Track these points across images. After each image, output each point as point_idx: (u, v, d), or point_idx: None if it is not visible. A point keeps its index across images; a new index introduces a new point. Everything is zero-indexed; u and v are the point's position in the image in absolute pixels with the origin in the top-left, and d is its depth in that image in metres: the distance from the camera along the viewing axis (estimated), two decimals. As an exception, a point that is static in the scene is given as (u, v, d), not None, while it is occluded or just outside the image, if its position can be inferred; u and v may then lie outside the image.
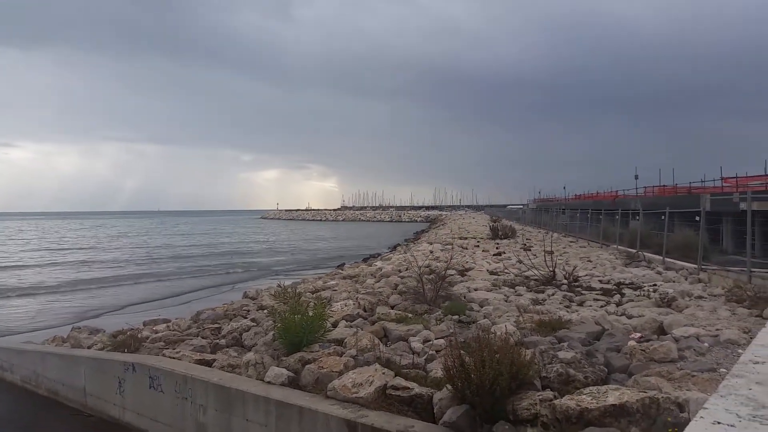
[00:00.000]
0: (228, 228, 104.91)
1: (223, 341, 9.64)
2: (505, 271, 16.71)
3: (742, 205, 16.45)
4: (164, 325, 12.16)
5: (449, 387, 5.66)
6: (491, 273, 16.37)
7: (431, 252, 25.05)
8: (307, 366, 7.09)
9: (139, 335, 10.73)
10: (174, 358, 8.66)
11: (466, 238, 34.16)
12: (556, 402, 5.13)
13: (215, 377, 7.55)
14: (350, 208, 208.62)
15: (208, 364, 8.23)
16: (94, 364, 9.78)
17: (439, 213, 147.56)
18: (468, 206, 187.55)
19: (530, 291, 12.86)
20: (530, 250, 23.33)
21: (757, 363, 2.49)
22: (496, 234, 34.04)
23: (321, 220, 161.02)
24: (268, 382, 7.02)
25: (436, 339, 8.22)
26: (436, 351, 7.60)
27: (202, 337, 10.04)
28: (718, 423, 1.74)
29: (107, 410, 9.37)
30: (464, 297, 11.75)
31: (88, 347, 10.76)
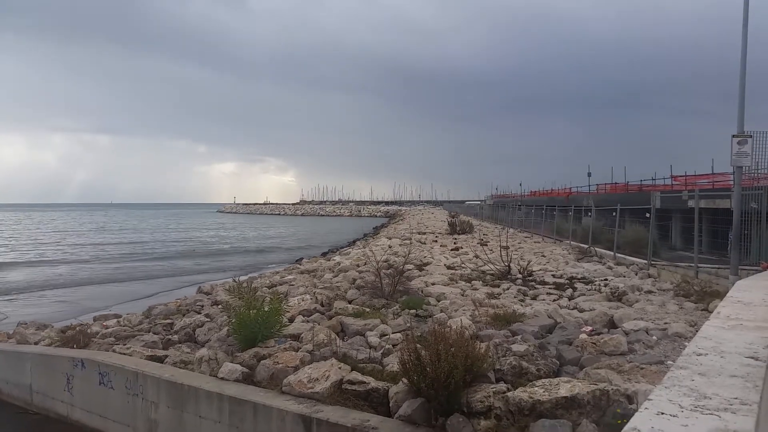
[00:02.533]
0: (186, 222, 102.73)
1: (175, 337, 9.45)
2: (462, 265, 16.87)
3: (691, 203, 17.02)
4: (115, 320, 11.85)
5: (405, 381, 5.68)
6: (449, 268, 16.50)
7: (390, 247, 25.10)
8: (262, 362, 7.00)
9: (89, 330, 10.44)
10: (125, 354, 8.45)
11: (424, 233, 34.36)
12: (509, 394, 5.20)
13: (167, 373, 7.39)
14: (309, 203, 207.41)
15: (160, 360, 8.06)
16: (40, 361, 9.46)
17: (399, 208, 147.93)
18: (427, 201, 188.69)
19: (486, 285, 13.02)
20: (487, 245, 23.61)
21: (700, 355, 2.56)
22: (454, 229, 34.33)
23: (280, 214, 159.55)
24: (222, 378, 6.91)
25: (393, 333, 8.23)
26: (393, 345, 7.61)
27: (154, 333, 9.82)
28: (662, 414, 1.78)
29: (55, 408, 9.08)
30: (422, 291, 11.81)
31: (35, 343, 10.40)
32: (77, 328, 10.89)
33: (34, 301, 19.76)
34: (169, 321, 10.75)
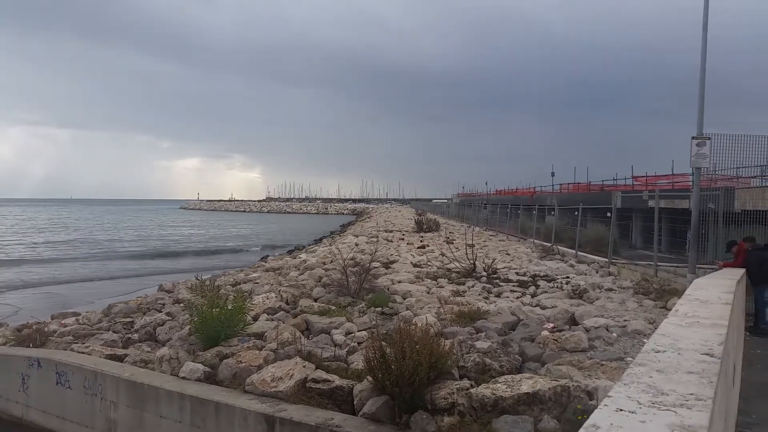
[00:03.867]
0: (148, 219, 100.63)
1: (135, 336, 9.25)
2: (429, 263, 16.95)
3: (651, 203, 17.42)
4: (73, 318, 11.53)
5: (369, 378, 5.67)
6: (415, 265, 16.55)
7: (357, 245, 25.05)
8: (224, 361, 6.91)
9: (46, 329, 10.12)
10: (83, 353, 8.23)
11: (391, 231, 34.42)
12: (472, 391, 5.24)
13: (127, 372, 7.24)
14: (276, 200, 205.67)
15: (120, 359, 7.88)
16: (-7, 361, 9.14)
17: (366, 206, 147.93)
18: (394, 200, 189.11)
19: (452, 283, 13.10)
20: (453, 243, 23.78)
21: (658, 352, 2.61)
22: (420, 227, 34.47)
23: (245, 211, 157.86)
24: (183, 378, 6.79)
25: (358, 331, 8.21)
26: (359, 343, 7.59)
27: (114, 332, 9.59)
28: (621, 410, 1.80)
29: (9, 409, 8.79)
30: (388, 289, 11.81)
31: (-12, 343, 10.04)
32: (34, 327, 10.54)
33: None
34: (129, 319, 10.52)
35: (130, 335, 9.30)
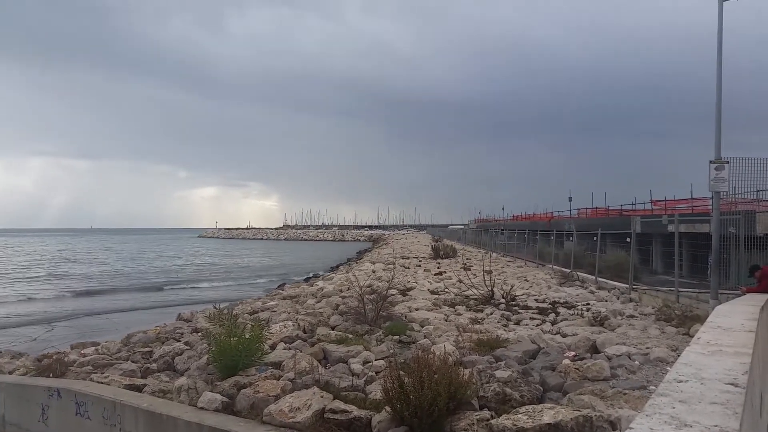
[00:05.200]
0: (168, 248, 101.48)
1: (154, 365, 9.27)
2: (446, 290, 16.85)
3: (671, 227, 17.24)
4: (93, 348, 11.61)
5: (388, 409, 5.61)
6: (432, 292, 16.47)
7: (373, 271, 25.03)
8: (242, 390, 6.88)
9: (66, 359, 10.20)
10: (102, 383, 8.26)
11: (408, 258, 34.36)
12: (492, 422, 5.16)
13: (145, 403, 7.23)
14: (293, 227, 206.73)
15: (139, 389, 7.89)
16: (14, 391, 9.21)
17: (383, 232, 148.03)
18: (411, 226, 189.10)
19: (470, 310, 13.00)
20: (470, 269, 23.65)
21: (680, 381, 2.56)
22: (437, 254, 34.39)
23: (262, 238, 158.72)
24: (201, 408, 6.77)
25: (376, 360, 8.15)
26: (376, 372, 7.54)
27: (133, 361, 9.63)
28: (644, 442, 1.77)
29: (28, 440, 8.82)
30: (405, 317, 11.75)
31: (9, 372, 10.14)
32: (54, 357, 10.63)
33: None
34: (148, 349, 10.56)
35: (148, 365, 9.32)
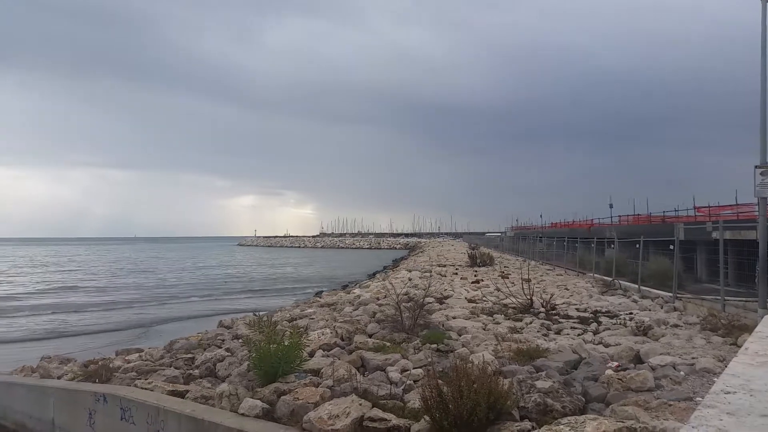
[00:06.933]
0: (206, 256, 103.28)
1: (196, 371, 9.45)
2: (484, 299, 16.72)
3: (715, 234, 16.74)
4: (137, 354, 11.91)
5: (427, 418, 5.60)
6: (469, 301, 16.36)
7: (410, 279, 25.00)
8: (282, 397, 6.96)
9: (111, 365, 10.49)
10: (146, 388, 8.45)
11: (444, 266, 34.21)
12: (533, 433, 5.10)
13: (188, 408, 7.37)
14: (329, 235, 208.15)
15: (181, 395, 8.05)
16: (63, 395, 9.50)
17: (418, 240, 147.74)
18: (447, 233, 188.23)
19: (508, 319, 12.87)
20: (508, 277, 23.41)
21: (728, 393, 2.50)
22: (474, 261, 34.14)
23: (300, 246, 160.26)
24: (242, 414, 6.87)
25: (414, 368, 8.14)
26: (414, 381, 7.53)
27: (175, 368, 9.84)
28: (691, 455, 1.74)
29: (77, 444, 9.08)
30: (442, 325, 11.71)
31: (58, 377, 10.48)
32: (100, 363, 10.95)
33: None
34: (190, 355, 10.78)
35: (191, 371, 9.51)
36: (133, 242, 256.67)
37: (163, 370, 9.62)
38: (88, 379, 9.73)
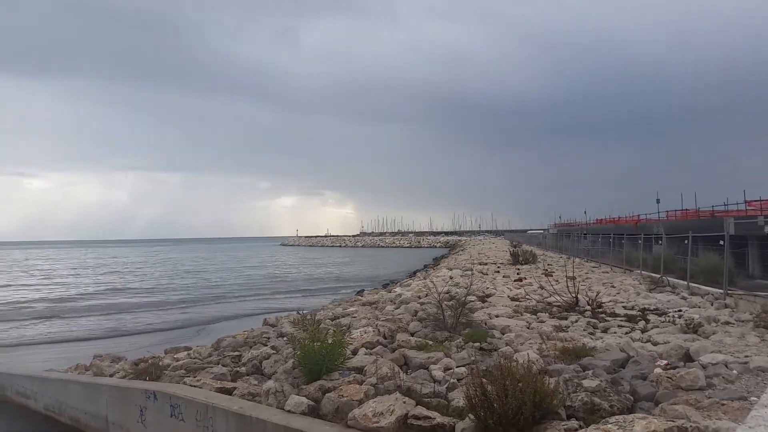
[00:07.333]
0: (250, 254, 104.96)
1: (243, 369, 9.63)
2: (527, 297, 16.53)
3: (767, 229, 16.17)
4: (185, 352, 12.20)
5: (471, 416, 5.58)
6: (512, 299, 16.20)
7: (451, 278, 24.91)
8: (327, 394, 7.04)
9: (161, 363, 10.78)
10: (195, 386, 8.65)
11: (485, 264, 33.96)
12: (581, 432, 5.03)
13: (235, 406, 7.52)
14: (369, 234, 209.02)
15: (229, 392, 8.22)
16: (115, 393, 9.81)
17: (459, 238, 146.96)
18: (487, 231, 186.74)
19: (553, 317, 12.69)
20: (552, 275, 23.07)
21: (787, 392, 2.43)
22: (516, 259, 33.76)
23: (340, 246, 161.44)
24: (289, 411, 6.98)
25: (457, 367, 8.12)
26: (458, 379, 7.51)
27: (223, 365, 10.05)
28: (749, 455, 1.70)
29: (129, 440, 9.37)
30: (485, 324, 11.63)
31: (110, 375, 10.81)
32: (150, 361, 11.27)
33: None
34: (237, 353, 10.99)
35: (238, 368, 9.70)
36: (179, 243, 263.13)
37: (211, 367, 9.84)
38: (138, 376, 10.02)
